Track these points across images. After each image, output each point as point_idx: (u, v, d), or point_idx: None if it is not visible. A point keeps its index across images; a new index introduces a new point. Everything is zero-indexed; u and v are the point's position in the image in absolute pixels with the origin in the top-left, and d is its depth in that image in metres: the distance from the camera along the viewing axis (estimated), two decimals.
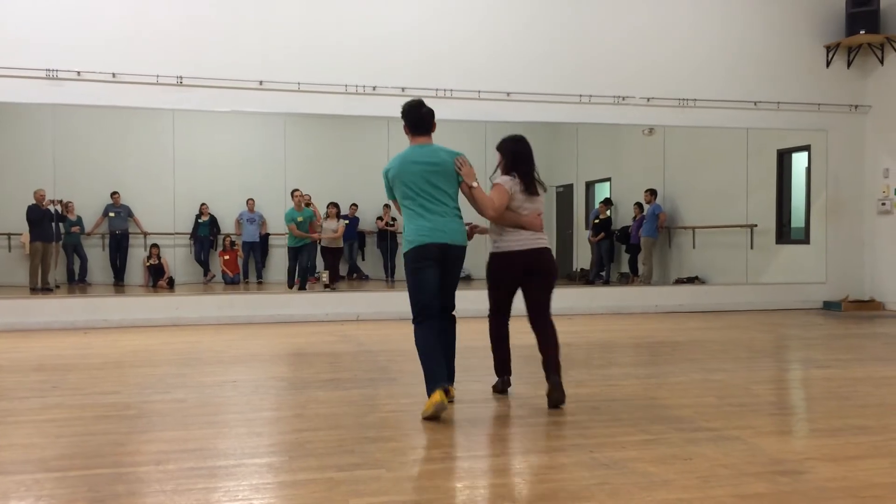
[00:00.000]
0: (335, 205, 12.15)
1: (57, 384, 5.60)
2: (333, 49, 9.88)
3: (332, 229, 11.96)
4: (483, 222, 5.15)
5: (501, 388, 5.19)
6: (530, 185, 4.95)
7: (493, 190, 4.92)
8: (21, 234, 10.91)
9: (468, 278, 11.11)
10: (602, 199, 12.99)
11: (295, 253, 11.21)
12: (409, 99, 4.89)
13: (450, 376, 4.73)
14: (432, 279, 4.64)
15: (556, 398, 4.71)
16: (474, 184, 4.75)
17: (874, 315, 10.63)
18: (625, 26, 10.83)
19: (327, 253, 11.97)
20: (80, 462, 3.66)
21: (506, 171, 5.01)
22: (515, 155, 5.01)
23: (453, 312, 4.86)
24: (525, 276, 4.93)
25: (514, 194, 4.90)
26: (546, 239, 5.00)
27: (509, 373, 5.17)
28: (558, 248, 13.72)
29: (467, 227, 4.88)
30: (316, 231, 11.50)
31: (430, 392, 4.46)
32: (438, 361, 4.52)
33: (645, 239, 12.24)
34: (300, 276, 11.21)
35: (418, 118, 4.82)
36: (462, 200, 4.79)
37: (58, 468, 3.57)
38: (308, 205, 11.42)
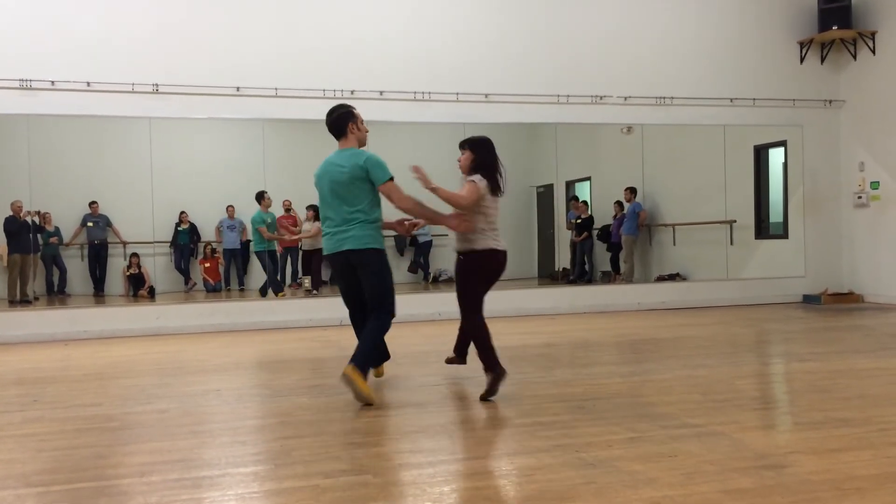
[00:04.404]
0: (314, 207, 12.06)
1: (37, 397, 5.53)
2: (310, 54, 9.84)
3: (307, 230, 11.91)
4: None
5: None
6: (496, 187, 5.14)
7: (467, 186, 5.03)
8: None
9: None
10: (572, 198, 13.06)
11: (265, 256, 11.28)
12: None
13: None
14: (344, 288, 5.19)
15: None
16: (433, 185, 4.86)
17: (853, 307, 10.74)
18: (601, 27, 10.88)
19: (310, 256, 11.90)
20: (63, 476, 3.62)
21: (473, 171, 5.10)
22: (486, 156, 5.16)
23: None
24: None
25: (485, 195, 5.07)
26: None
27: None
28: (540, 248, 13.75)
29: (406, 223, 5.34)
30: (288, 234, 11.57)
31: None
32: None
33: (626, 237, 12.30)
34: (272, 282, 11.24)
35: (328, 125, 5.14)
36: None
37: (40, 483, 3.52)
38: (288, 210, 11.43)
